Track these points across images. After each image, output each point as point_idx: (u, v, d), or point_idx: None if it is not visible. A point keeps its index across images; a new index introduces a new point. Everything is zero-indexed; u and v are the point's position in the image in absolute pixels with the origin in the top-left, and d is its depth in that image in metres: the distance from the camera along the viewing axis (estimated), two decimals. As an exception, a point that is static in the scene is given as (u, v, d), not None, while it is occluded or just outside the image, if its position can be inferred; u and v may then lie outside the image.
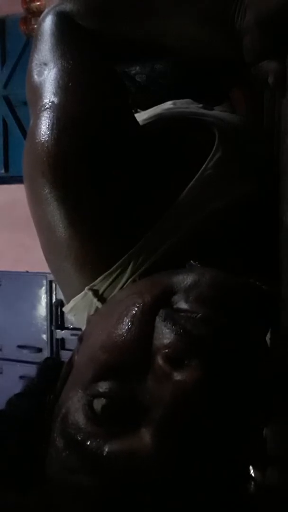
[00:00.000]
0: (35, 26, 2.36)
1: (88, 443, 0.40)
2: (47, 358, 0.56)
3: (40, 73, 0.53)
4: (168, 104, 0.65)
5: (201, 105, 0.65)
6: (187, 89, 0.66)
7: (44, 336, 2.49)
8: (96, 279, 0.51)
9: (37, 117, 0.50)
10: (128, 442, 0.39)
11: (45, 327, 2.49)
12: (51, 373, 0.50)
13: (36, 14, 2.34)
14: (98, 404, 0.40)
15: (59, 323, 2.44)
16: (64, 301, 0.58)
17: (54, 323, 2.44)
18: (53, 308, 2.44)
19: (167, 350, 0.40)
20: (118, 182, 0.51)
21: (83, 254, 0.51)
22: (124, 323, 0.42)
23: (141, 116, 0.63)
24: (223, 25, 0.48)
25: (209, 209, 0.52)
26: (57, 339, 2.45)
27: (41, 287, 2.49)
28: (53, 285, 2.44)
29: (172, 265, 0.48)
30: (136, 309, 0.43)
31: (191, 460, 0.38)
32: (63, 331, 2.43)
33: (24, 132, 2.52)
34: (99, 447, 0.39)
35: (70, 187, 0.49)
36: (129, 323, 0.42)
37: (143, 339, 0.41)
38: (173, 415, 0.38)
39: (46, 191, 0.49)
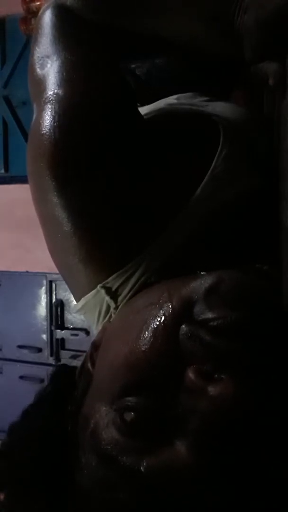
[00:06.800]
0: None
1: (124, 458, 0.39)
2: (60, 365, 0.56)
3: (43, 66, 0.53)
4: (171, 99, 0.64)
5: (205, 98, 0.64)
6: (188, 85, 0.66)
7: (44, 336, 2.48)
8: (108, 276, 0.50)
9: (42, 109, 0.50)
10: (165, 455, 0.38)
11: (45, 327, 2.47)
12: (66, 381, 0.49)
13: (36, 14, 2.33)
14: (127, 417, 0.40)
15: (59, 323, 2.43)
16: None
17: (54, 323, 2.43)
18: (53, 308, 2.43)
19: (196, 366, 0.39)
20: (124, 177, 0.50)
21: (94, 250, 0.50)
22: (146, 337, 0.42)
23: (142, 111, 0.62)
24: (223, 25, 0.48)
25: (218, 203, 0.52)
26: (57, 339, 2.44)
27: (41, 287, 2.48)
28: (53, 285, 2.43)
29: (185, 262, 0.47)
30: (157, 322, 0.42)
31: (226, 470, 0.38)
32: (63, 331, 2.42)
33: (24, 132, 2.51)
34: (136, 463, 0.39)
35: (79, 179, 0.49)
36: (151, 338, 0.41)
37: (167, 353, 0.41)
38: (210, 427, 0.38)
39: (53, 183, 0.48)
